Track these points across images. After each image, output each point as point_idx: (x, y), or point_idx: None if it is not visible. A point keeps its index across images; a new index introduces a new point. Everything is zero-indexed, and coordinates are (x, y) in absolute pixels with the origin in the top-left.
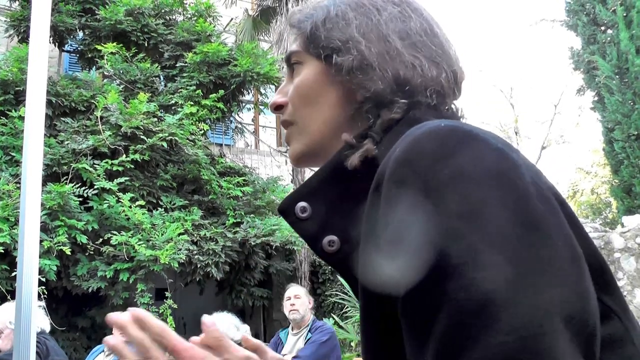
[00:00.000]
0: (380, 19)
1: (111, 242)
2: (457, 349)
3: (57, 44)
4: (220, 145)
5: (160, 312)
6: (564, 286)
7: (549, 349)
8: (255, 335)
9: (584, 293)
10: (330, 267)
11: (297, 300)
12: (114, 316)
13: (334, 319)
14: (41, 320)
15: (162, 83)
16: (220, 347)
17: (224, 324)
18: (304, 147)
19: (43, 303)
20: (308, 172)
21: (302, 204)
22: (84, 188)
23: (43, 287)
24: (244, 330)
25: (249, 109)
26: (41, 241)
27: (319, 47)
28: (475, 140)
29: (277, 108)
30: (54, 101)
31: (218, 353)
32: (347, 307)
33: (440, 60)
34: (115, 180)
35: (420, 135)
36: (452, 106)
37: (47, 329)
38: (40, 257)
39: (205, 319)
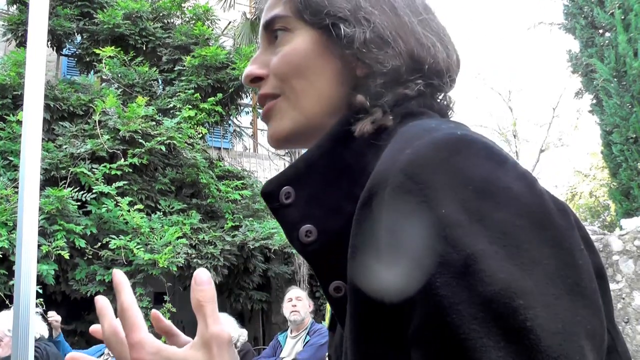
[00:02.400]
0: None
1: (110, 246)
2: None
3: (55, 48)
4: (219, 148)
5: None
6: (585, 302)
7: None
8: (254, 338)
9: (600, 309)
10: None
11: (298, 301)
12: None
13: None
14: (40, 326)
15: (161, 87)
16: (201, 315)
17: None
18: (293, 125)
19: (41, 309)
20: None
21: (287, 188)
22: (82, 192)
23: (41, 300)
24: (242, 334)
25: (247, 113)
26: (39, 246)
27: (319, 14)
28: (495, 156)
29: (254, 80)
30: (52, 105)
31: (198, 318)
32: None
33: (446, 41)
34: (113, 184)
35: (428, 144)
36: (448, 98)
37: (46, 334)
38: (38, 262)
39: (197, 274)
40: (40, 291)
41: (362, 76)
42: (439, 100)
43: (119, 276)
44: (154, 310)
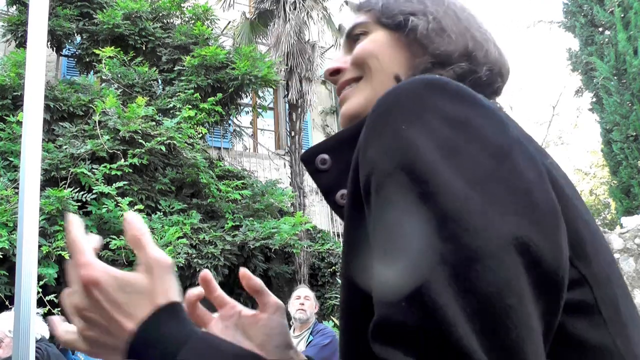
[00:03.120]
0: (450, 1)
1: (110, 246)
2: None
3: (54, 48)
4: (219, 148)
5: None
6: (526, 216)
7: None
8: None
9: (550, 235)
10: (330, 270)
11: (306, 300)
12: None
13: (333, 321)
14: (40, 327)
15: (160, 87)
16: (139, 247)
17: None
18: (365, 101)
19: (41, 310)
20: (307, 176)
21: (323, 155)
22: (82, 193)
23: (48, 298)
24: None
25: (247, 112)
26: (40, 246)
27: (393, 15)
28: (468, 97)
29: (334, 73)
30: (51, 106)
31: (137, 252)
32: None
33: (499, 47)
34: (113, 184)
35: (408, 82)
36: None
37: (47, 335)
38: (39, 263)
39: (127, 215)
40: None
41: (425, 63)
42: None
43: (70, 216)
44: (242, 268)
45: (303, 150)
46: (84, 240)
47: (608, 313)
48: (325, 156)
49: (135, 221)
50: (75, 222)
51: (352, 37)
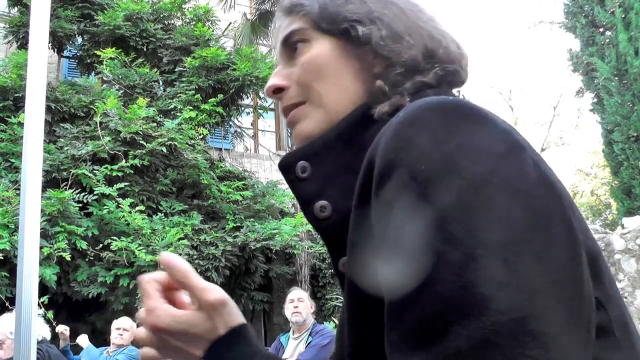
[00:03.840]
0: None
1: (111, 247)
2: (431, 336)
3: (56, 49)
4: (220, 149)
5: None
6: (566, 285)
7: (540, 330)
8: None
9: (577, 280)
10: (330, 271)
11: (300, 303)
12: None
13: (334, 322)
14: (41, 329)
15: (161, 88)
16: (188, 288)
17: None
18: (318, 123)
19: (42, 311)
20: None
21: (303, 163)
22: (83, 194)
23: (46, 297)
24: None
25: (248, 113)
26: (41, 247)
27: (335, 21)
28: (482, 119)
29: (276, 91)
30: (53, 107)
31: (188, 292)
32: None
33: (455, 39)
34: (114, 185)
35: (416, 108)
36: (463, 96)
37: (48, 337)
38: (40, 264)
39: (163, 256)
40: (45, 298)
41: (380, 71)
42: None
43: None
44: (163, 254)
45: None
46: (153, 285)
47: (620, 333)
48: (305, 163)
49: (174, 262)
50: (147, 279)
51: (290, 46)
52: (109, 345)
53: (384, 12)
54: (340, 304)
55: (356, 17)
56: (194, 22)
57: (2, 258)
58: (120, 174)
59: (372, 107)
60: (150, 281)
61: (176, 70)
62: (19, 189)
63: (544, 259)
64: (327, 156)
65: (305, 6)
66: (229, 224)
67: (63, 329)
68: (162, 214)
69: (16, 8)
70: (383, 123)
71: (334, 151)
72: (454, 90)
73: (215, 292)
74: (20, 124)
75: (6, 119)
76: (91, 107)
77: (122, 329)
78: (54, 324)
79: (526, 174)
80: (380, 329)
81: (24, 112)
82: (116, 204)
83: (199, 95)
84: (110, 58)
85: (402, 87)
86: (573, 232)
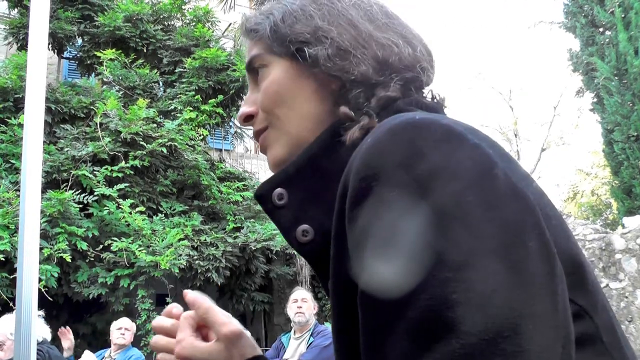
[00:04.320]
0: (342, 6)
1: (111, 248)
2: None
3: (56, 50)
4: (220, 150)
5: None
6: (543, 300)
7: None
8: (257, 340)
9: (553, 293)
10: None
11: (304, 303)
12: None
13: None
14: (42, 329)
15: (161, 89)
16: (209, 323)
17: None
18: (286, 148)
19: (42, 312)
20: None
21: (279, 190)
22: (83, 195)
23: (43, 284)
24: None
25: None
26: (41, 248)
27: (284, 44)
28: (453, 137)
29: (247, 119)
30: (53, 108)
31: (209, 327)
32: None
33: (410, 38)
34: (115, 186)
35: (388, 132)
36: (437, 95)
37: (49, 337)
38: (40, 264)
39: (189, 294)
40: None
41: (337, 89)
42: (429, 99)
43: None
44: (186, 292)
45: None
46: (188, 320)
47: (608, 338)
48: (282, 190)
49: (197, 300)
50: (185, 315)
51: (253, 71)
52: (110, 346)
53: (330, 28)
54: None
55: (302, 38)
56: (193, 23)
57: (3, 259)
58: (120, 174)
59: (341, 131)
60: (187, 317)
61: (176, 71)
62: (19, 190)
63: (520, 275)
64: (301, 181)
65: (259, 31)
66: (229, 225)
67: (68, 346)
68: (163, 215)
69: (16, 9)
70: (355, 145)
71: (308, 175)
72: (426, 90)
73: (231, 325)
74: (21, 125)
75: (6, 120)
76: (91, 108)
77: (123, 328)
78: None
79: (497, 190)
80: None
81: (24, 113)
82: (116, 204)
83: (199, 96)
84: (110, 59)
85: (367, 106)
86: (548, 246)
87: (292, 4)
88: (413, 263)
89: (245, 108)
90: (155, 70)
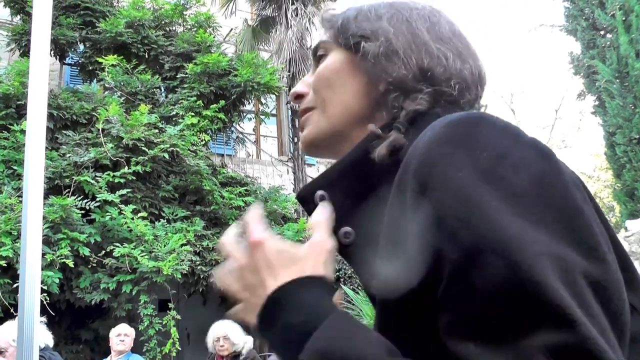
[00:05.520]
0: (412, 14)
1: (114, 254)
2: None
3: (58, 57)
4: (222, 155)
5: (164, 323)
6: (594, 256)
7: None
8: (260, 345)
9: (613, 270)
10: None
11: None
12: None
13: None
14: (44, 335)
15: (163, 94)
16: (316, 229)
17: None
18: (321, 131)
19: (45, 318)
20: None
21: (320, 192)
22: (86, 200)
23: (45, 295)
24: (248, 341)
25: (249, 119)
26: (44, 254)
27: (348, 36)
28: (511, 131)
29: (297, 97)
30: (55, 114)
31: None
32: (352, 314)
33: (466, 55)
34: (117, 192)
35: (445, 123)
36: (476, 105)
37: (51, 344)
38: (43, 270)
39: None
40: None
41: (384, 89)
42: (462, 106)
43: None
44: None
45: (306, 157)
46: (257, 220)
47: None
48: (323, 193)
49: (323, 214)
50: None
51: (316, 57)
52: (110, 353)
53: (389, 29)
54: (344, 309)
55: (363, 32)
56: (195, 29)
57: (5, 265)
58: (122, 180)
59: (369, 148)
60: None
61: (178, 76)
62: (22, 196)
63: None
64: (342, 184)
65: (333, 21)
66: None
67: None
68: (165, 220)
69: (18, 16)
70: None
71: (349, 179)
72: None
73: (330, 240)
74: (23, 132)
75: (9, 126)
76: (93, 114)
77: (122, 334)
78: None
79: (563, 179)
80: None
81: (26, 120)
82: (118, 210)
83: (200, 101)
84: (112, 65)
85: (398, 119)
86: (602, 229)
87: (369, 5)
88: (490, 249)
89: (298, 87)
90: (157, 76)
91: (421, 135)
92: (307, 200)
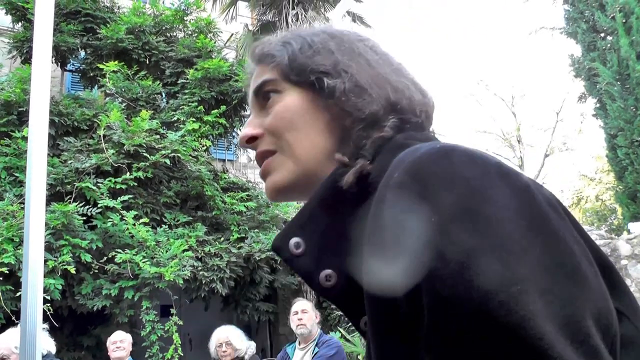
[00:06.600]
0: (361, 47)
1: (115, 260)
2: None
3: (59, 63)
4: (223, 160)
5: (166, 329)
6: (585, 285)
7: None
8: (262, 350)
9: (604, 292)
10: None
11: (304, 314)
12: None
13: (340, 332)
14: (46, 342)
15: (164, 100)
16: None
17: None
18: (293, 174)
19: (47, 325)
20: None
21: (295, 239)
22: (87, 207)
23: (48, 305)
24: (250, 346)
25: None
26: (46, 261)
27: (304, 73)
28: (479, 158)
29: (250, 140)
30: (56, 121)
31: None
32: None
33: (421, 88)
34: (118, 198)
35: (428, 150)
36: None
37: (53, 350)
38: (45, 277)
39: None
40: (49, 303)
41: (348, 125)
42: (427, 132)
43: None
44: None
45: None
46: None
47: None
48: (298, 239)
49: None
50: None
51: (262, 95)
52: None
53: (350, 64)
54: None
55: (322, 68)
56: (196, 34)
57: (7, 272)
58: (124, 186)
59: (337, 178)
60: None
61: (179, 82)
62: (24, 203)
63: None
64: (316, 226)
65: (276, 57)
66: (233, 235)
67: None
68: (166, 226)
69: (20, 23)
70: (361, 186)
71: (321, 219)
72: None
73: None
74: (25, 138)
75: (10, 133)
76: (94, 120)
77: (118, 341)
78: None
79: (543, 210)
80: None
81: (28, 127)
82: (120, 216)
83: (201, 107)
84: (113, 71)
85: (365, 148)
86: (583, 247)
87: (311, 36)
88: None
89: (248, 129)
90: (158, 82)
91: (395, 162)
92: (282, 249)
